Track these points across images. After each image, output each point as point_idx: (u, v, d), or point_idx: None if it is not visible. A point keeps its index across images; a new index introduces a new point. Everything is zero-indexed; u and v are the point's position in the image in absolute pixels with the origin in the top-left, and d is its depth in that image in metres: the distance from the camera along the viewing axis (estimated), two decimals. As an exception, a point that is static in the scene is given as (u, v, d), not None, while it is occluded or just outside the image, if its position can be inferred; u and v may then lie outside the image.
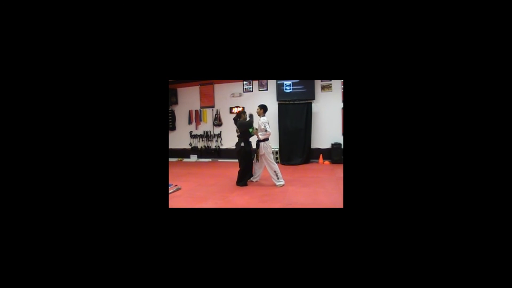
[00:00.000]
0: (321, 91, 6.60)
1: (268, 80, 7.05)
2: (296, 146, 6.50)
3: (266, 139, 4.10)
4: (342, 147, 6.33)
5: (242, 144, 4.16)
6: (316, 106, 6.60)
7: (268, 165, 4.10)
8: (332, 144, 6.34)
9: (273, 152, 4.35)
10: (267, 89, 7.08)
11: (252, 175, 4.35)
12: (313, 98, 6.56)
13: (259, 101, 7.19)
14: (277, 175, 4.05)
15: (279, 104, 6.73)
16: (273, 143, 4.84)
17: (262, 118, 4.15)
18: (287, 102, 6.66)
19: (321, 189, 3.82)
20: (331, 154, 6.30)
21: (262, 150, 4.05)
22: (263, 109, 4.24)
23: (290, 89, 6.66)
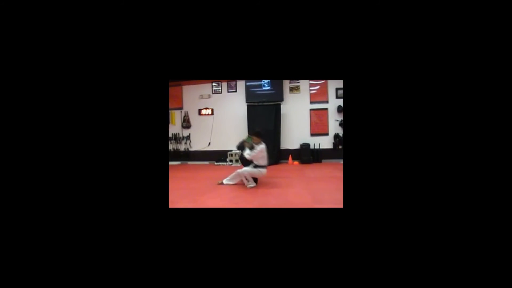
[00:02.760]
0: (290, 93, 6.75)
1: (237, 81, 7.05)
2: (266, 147, 6.57)
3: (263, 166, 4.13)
4: (311, 147, 6.53)
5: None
6: (285, 108, 6.74)
7: (241, 174, 4.10)
8: (300, 145, 6.51)
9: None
10: (236, 91, 7.08)
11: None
12: (282, 100, 6.69)
13: (228, 102, 7.14)
14: (247, 179, 4.09)
15: (248, 105, 6.76)
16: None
17: (260, 146, 4.11)
18: (256, 104, 6.71)
19: (291, 189, 3.90)
20: (300, 154, 6.47)
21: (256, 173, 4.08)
22: (259, 136, 4.16)
23: (259, 90, 6.72)
